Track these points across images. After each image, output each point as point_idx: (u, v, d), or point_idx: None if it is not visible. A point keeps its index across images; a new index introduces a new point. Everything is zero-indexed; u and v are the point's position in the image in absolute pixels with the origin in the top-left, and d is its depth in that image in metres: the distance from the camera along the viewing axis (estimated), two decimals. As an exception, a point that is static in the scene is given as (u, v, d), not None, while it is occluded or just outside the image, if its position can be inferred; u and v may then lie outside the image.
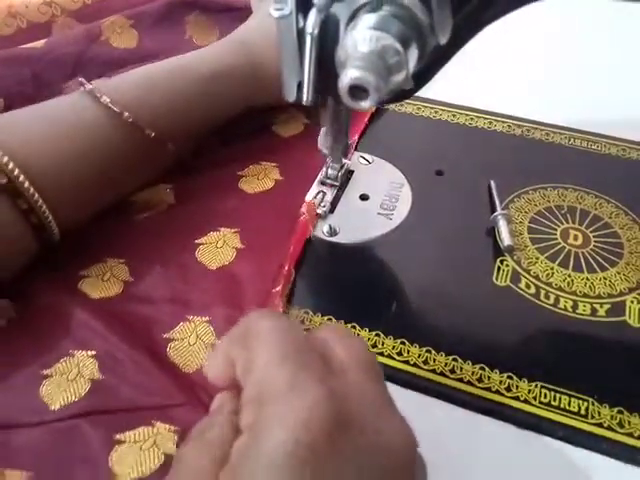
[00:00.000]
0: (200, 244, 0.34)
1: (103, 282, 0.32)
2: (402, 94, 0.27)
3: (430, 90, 0.29)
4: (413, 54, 0.20)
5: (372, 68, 0.19)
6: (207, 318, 0.30)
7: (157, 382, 0.27)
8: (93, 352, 0.28)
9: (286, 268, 0.32)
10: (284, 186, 0.37)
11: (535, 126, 0.42)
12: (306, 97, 0.24)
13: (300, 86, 0.26)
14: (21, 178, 0.28)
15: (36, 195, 0.28)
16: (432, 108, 0.43)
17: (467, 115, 0.43)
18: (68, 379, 0.27)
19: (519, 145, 0.40)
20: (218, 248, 0.33)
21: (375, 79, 0.19)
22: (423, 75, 0.26)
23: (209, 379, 0.21)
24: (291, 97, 0.27)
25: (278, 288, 0.31)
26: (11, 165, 0.28)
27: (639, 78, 0.47)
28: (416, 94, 0.29)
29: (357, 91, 0.19)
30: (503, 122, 0.42)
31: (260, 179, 0.38)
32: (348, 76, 0.19)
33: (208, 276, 0.32)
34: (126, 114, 0.32)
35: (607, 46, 0.51)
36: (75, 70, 0.33)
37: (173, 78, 0.35)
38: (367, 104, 0.19)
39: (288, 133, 0.42)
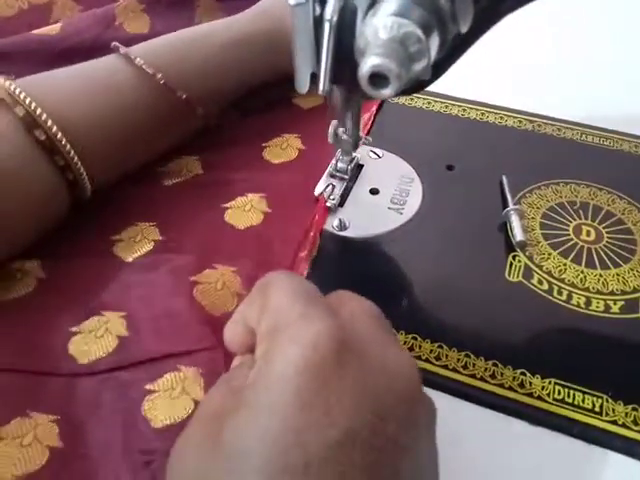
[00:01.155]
0: (228, 208, 0.35)
1: (135, 243, 0.33)
2: (418, 85, 0.27)
3: (441, 84, 0.28)
4: (434, 42, 0.20)
5: (393, 55, 0.18)
6: (234, 268, 0.31)
7: (183, 329, 0.28)
8: (123, 313, 0.29)
9: (312, 234, 0.32)
10: (308, 155, 0.38)
11: (546, 121, 0.41)
12: (322, 87, 0.24)
13: (314, 77, 0.26)
14: (59, 135, 0.29)
15: (72, 152, 0.30)
16: (443, 102, 0.43)
17: (478, 110, 0.42)
18: (96, 336, 0.28)
19: (531, 140, 0.40)
20: (246, 211, 0.34)
21: (396, 66, 0.18)
22: (439, 66, 0.26)
23: (225, 343, 0.22)
24: (304, 88, 0.27)
25: (304, 253, 0.32)
26: (49, 122, 0.29)
27: (651, 74, 0.47)
28: (426, 88, 0.28)
29: (378, 79, 0.19)
30: (514, 117, 0.42)
31: (284, 149, 0.39)
32: (368, 64, 0.19)
33: (236, 235, 0.33)
34: (159, 75, 0.33)
35: (619, 41, 0.50)
36: (90, 55, 0.34)
37: (199, 44, 0.36)
38: (388, 92, 0.19)
39: (308, 105, 0.43)
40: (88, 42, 0.39)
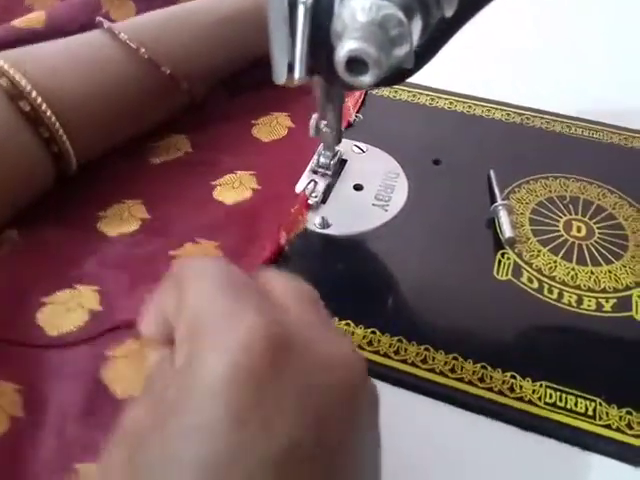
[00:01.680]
0: (217, 185, 0.34)
1: (121, 220, 0.32)
2: (400, 74, 0.25)
3: (426, 76, 0.27)
4: (417, 26, 0.19)
5: (372, 39, 0.17)
6: (217, 243, 0.31)
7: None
8: (97, 287, 0.28)
9: (293, 209, 0.33)
10: (297, 133, 0.38)
11: (535, 114, 0.40)
12: (298, 74, 0.22)
13: (291, 67, 0.25)
14: (43, 107, 0.29)
15: (57, 124, 0.29)
16: (428, 95, 0.42)
17: (465, 103, 0.41)
18: (67, 309, 0.27)
19: (519, 133, 0.39)
20: (235, 188, 0.34)
21: (375, 51, 0.17)
22: (423, 54, 0.24)
23: (142, 335, 0.20)
24: (281, 79, 0.26)
25: (284, 234, 0.32)
26: (34, 94, 0.29)
27: (640, 66, 0.46)
28: (411, 80, 0.27)
29: (356, 65, 0.17)
30: (502, 110, 0.41)
31: (273, 127, 0.39)
32: (345, 48, 0.17)
33: (223, 210, 0.33)
34: (142, 50, 0.33)
35: (608, 33, 0.50)
36: None
37: (186, 21, 0.36)
38: (367, 79, 0.17)
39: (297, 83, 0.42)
40: (74, 32, 0.37)
